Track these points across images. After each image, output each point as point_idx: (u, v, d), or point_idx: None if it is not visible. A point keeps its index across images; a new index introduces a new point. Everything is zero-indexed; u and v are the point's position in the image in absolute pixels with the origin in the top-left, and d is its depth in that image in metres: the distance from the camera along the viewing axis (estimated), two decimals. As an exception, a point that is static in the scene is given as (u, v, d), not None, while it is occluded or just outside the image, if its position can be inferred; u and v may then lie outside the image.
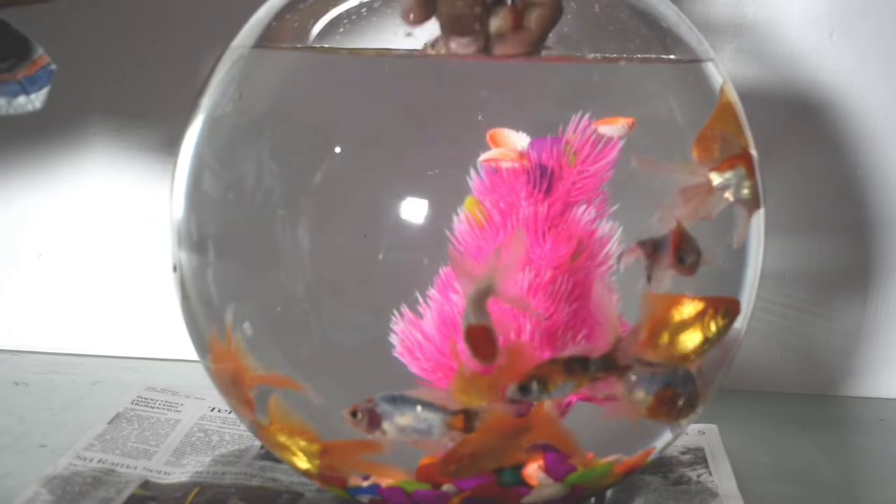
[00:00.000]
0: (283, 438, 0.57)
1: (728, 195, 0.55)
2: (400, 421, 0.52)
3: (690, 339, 0.53)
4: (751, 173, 0.56)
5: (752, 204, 0.56)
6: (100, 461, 0.65)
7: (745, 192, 0.55)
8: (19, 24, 0.53)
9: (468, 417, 0.52)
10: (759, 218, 0.58)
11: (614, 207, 0.54)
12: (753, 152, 0.57)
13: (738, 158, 0.56)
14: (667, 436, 0.59)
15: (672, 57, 0.59)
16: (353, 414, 0.53)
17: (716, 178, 0.55)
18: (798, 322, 0.84)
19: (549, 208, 0.54)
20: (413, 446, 0.53)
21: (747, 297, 0.59)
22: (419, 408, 0.52)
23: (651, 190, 0.56)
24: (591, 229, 0.54)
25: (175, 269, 0.59)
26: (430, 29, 0.57)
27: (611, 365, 0.52)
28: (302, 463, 0.58)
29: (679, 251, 0.53)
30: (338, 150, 0.54)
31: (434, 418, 0.52)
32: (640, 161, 0.54)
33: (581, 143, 0.54)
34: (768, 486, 0.68)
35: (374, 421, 0.53)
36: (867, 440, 0.78)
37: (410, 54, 0.57)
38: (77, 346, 0.87)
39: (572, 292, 0.54)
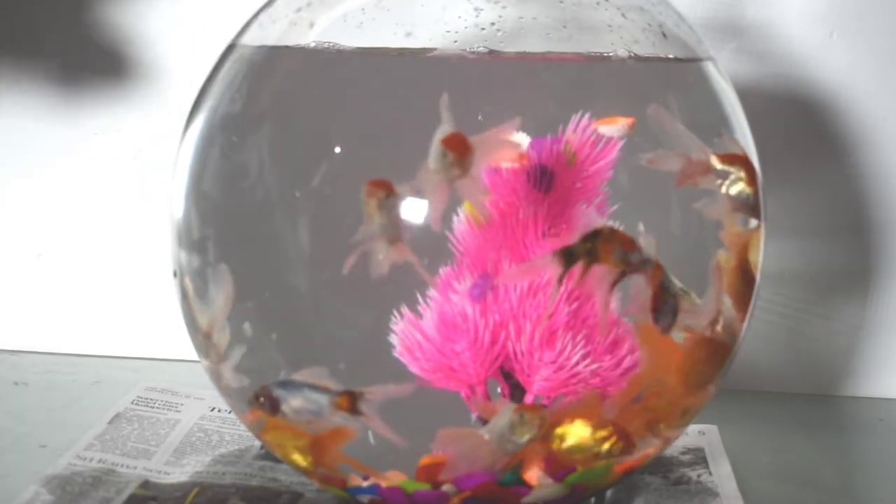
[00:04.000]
0: (279, 435, 0.57)
1: (720, 183, 0.55)
2: (293, 403, 0.55)
3: None
4: (749, 181, 0.56)
5: (742, 206, 0.56)
6: (100, 461, 0.65)
7: (735, 191, 0.55)
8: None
9: (352, 398, 0.54)
10: (760, 231, 0.58)
11: (614, 207, 0.54)
12: (755, 164, 0.57)
13: (738, 158, 0.56)
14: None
15: (672, 56, 0.59)
16: (257, 398, 0.55)
17: (715, 162, 0.55)
18: (798, 322, 0.84)
19: (549, 208, 0.54)
20: (309, 427, 0.55)
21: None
22: (306, 390, 0.54)
23: (651, 191, 0.56)
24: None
25: (175, 274, 0.59)
26: (431, 29, 0.57)
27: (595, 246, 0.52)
28: (300, 460, 0.58)
29: (656, 310, 0.53)
30: (338, 150, 0.54)
31: (321, 399, 0.54)
32: (656, 111, 0.54)
33: (581, 143, 0.54)
34: (768, 486, 0.68)
35: (274, 405, 0.55)
36: (867, 440, 0.78)
37: (410, 53, 0.57)
38: (77, 346, 0.87)
39: (572, 292, 0.54)
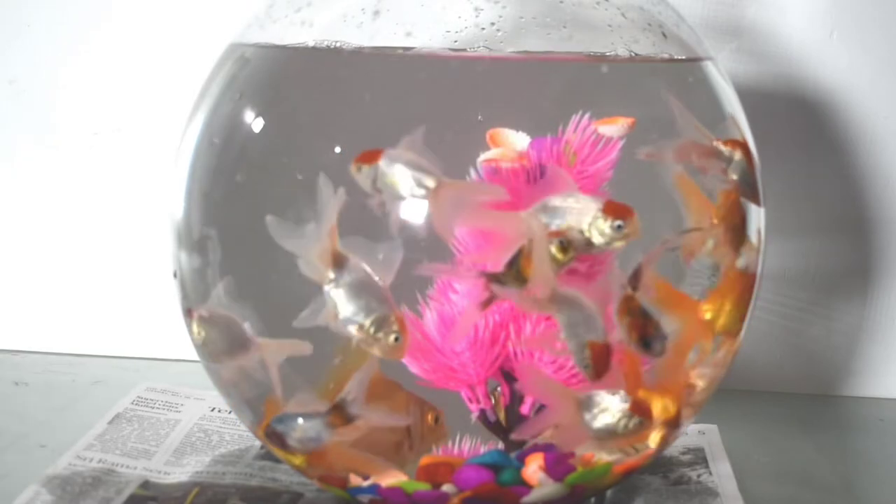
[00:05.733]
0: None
1: (725, 166, 0.55)
2: (295, 435, 0.54)
3: None
4: (749, 166, 0.56)
5: (744, 190, 0.56)
6: (100, 461, 0.65)
7: (736, 176, 0.56)
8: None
9: (341, 409, 0.53)
10: (759, 217, 0.58)
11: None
12: (753, 150, 0.58)
13: (738, 144, 0.56)
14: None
15: (672, 56, 0.59)
16: (267, 438, 0.55)
17: (720, 147, 0.55)
18: (798, 322, 0.84)
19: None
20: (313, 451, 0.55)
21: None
22: (300, 420, 0.54)
23: (650, 190, 0.56)
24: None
25: (175, 274, 0.59)
26: (431, 29, 0.57)
27: None
28: (298, 460, 0.58)
29: (643, 336, 0.52)
30: (338, 150, 0.54)
31: (317, 424, 0.54)
32: (673, 102, 0.54)
33: (581, 143, 0.54)
34: (768, 486, 0.68)
35: (281, 440, 0.55)
36: (867, 440, 0.78)
37: (410, 53, 0.57)
38: (77, 346, 0.87)
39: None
